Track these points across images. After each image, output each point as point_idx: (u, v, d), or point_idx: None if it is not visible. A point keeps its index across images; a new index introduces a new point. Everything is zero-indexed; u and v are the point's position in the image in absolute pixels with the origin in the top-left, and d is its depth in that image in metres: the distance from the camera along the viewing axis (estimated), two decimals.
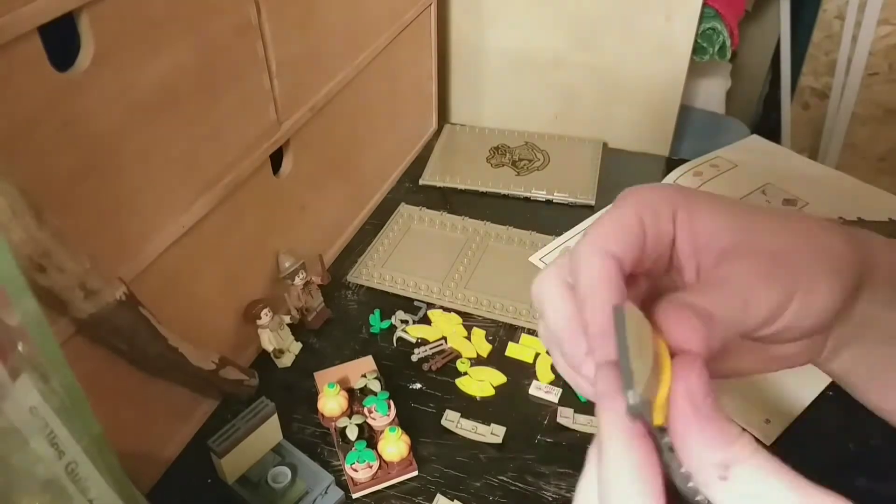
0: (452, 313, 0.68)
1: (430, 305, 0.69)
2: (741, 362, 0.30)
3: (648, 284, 0.30)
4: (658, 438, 0.23)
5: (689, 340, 0.23)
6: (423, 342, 0.66)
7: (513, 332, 0.67)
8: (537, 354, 0.64)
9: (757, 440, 0.21)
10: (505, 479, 0.54)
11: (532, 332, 0.66)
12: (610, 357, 0.24)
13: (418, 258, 0.75)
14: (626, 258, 0.26)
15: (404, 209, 0.82)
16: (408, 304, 0.69)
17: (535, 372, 0.62)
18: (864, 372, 0.31)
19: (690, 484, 0.22)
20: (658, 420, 0.23)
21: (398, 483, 0.54)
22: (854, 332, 0.30)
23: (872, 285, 0.29)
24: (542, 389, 0.61)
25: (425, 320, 0.68)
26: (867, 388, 0.31)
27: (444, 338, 0.66)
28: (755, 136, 0.92)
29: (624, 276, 0.26)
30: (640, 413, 0.22)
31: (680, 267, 0.29)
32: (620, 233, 0.27)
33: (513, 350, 0.64)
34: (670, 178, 0.82)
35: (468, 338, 0.66)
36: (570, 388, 0.60)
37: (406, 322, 0.67)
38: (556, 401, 0.60)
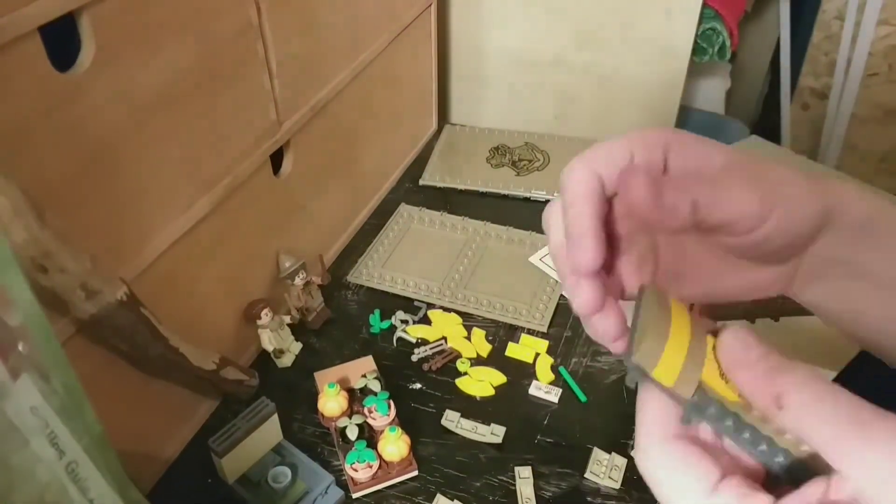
0: (452, 313, 0.68)
1: (430, 305, 0.69)
2: (726, 281, 0.34)
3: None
4: (691, 408, 0.27)
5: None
6: (423, 342, 0.66)
7: (513, 332, 0.67)
8: (537, 354, 0.64)
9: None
10: (505, 478, 0.54)
11: (532, 332, 0.66)
12: (586, 259, 0.28)
13: (418, 258, 0.75)
14: (610, 178, 0.30)
15: (404, 209, 0.82)
16: (408, 304, 0.70)
17: (534, 372, 0.63)
18: (834, 304, 0.34)
19: (761, 447, 0.26)
20: (669, 382, 0.27)
21: (398, 483, 0.54)
22: (823, 267, 0.33)
23: (839, 227, 0.31)
24: (541, 389, 0.61)
25: (425, 320, 0.68)
26: (840, 318, 0.34)
27: (444, 338, 0.66)
28: (755, 137, 0.92)
29: (606, 195, 0.30)
30: (638, 373, 0.27)
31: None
32: (607, 157, 0.30)
33: (513, 350, 0.64)
34: None
35: (468, 338, 0.66)
36: (569, 389, 0.61)
37: (406, 322, 0.67)
38: (556, 401, 0.60)
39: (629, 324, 0.29)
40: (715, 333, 0.28)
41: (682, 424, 0.27)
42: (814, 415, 0.24)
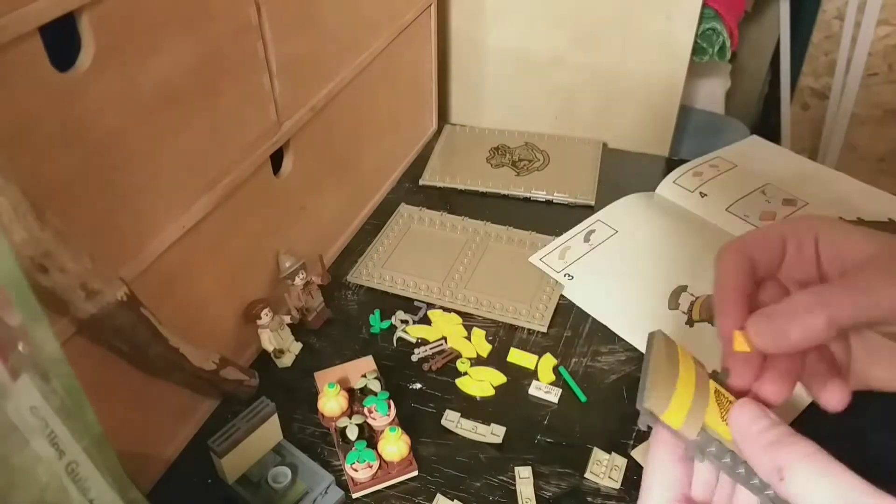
0: (452, 313, 0.68)
1: (430, 305, 0.69)
2: (881, 371, 0.36)
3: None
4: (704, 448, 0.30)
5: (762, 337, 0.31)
6: (423, 342, 0.66)
7: (513, 332, 0.67)
8: (538, 357, 0.64)
9: None
10: (505, 479, 0.54)
11: (532, 333, 0.66)
12: (725, 329, 0.33)
13: (418, 258, 0.75)
14: (763, 261, 0.34)
15: (404, 209, 0.82)
16: (408, 305, 0.70)
17: (535, 372, 0.62)
18: None
19: (754, 481, 0.29)
20: (677, 425, 0.29)
21: (398, 483, 0.54)
22: None
23: None
24: (541, 389, 0.61)
25: (425, 320, 0.68)
26: None
27: (444, 338, 0.66)
28: (755, 137, 0.92)
29: (757, 277, 0.34)
30: (650, 417, 0.29)
31: (826, 277, 0.35)
32: (762, 242, 0.34)
33: (514, 356, 0.64)
34: (670, 178, 0.82)
35: (468, 338, 0.66)
36: (569, 388, 0.60)
37: (406, 322, 0.67)
38: (556, 401, 0.60)
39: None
40: (715, 376, 0.32)
41: (687, 460, 0.30)
42: (812, 490, 0.26)
